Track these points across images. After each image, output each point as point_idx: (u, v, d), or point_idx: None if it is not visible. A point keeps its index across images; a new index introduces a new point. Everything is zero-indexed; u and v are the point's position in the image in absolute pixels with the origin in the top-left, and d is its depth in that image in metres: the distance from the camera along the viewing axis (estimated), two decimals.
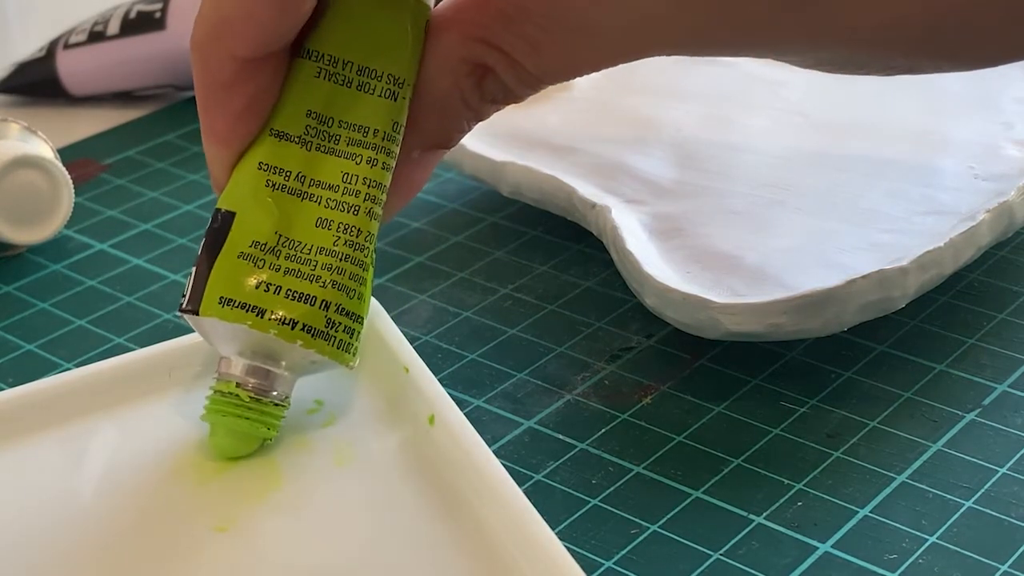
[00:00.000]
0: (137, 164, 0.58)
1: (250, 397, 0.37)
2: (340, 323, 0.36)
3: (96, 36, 0.62)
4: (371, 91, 0.36)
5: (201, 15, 0.35)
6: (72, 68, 0.63)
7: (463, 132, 0.37)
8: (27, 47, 0.68)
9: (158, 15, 0.61)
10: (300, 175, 0.36)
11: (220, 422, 0.38)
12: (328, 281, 0.36)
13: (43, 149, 0.51)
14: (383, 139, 0.36)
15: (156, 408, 0.40)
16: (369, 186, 0.36)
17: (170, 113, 0.62)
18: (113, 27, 0.62)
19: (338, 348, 0.36)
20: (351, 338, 0.37)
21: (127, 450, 0.39)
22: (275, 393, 0.37)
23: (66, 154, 0.59)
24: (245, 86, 0.35)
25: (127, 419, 0.40)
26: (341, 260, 0.36)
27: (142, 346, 0.44)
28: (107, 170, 0.58)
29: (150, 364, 0.41)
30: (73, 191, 0.50)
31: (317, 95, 0.36)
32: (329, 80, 0.36)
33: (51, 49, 0.63)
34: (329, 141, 0.36)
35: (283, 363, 0.37)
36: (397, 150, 0.37)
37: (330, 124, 0.36)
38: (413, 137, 0.37)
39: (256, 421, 0.37)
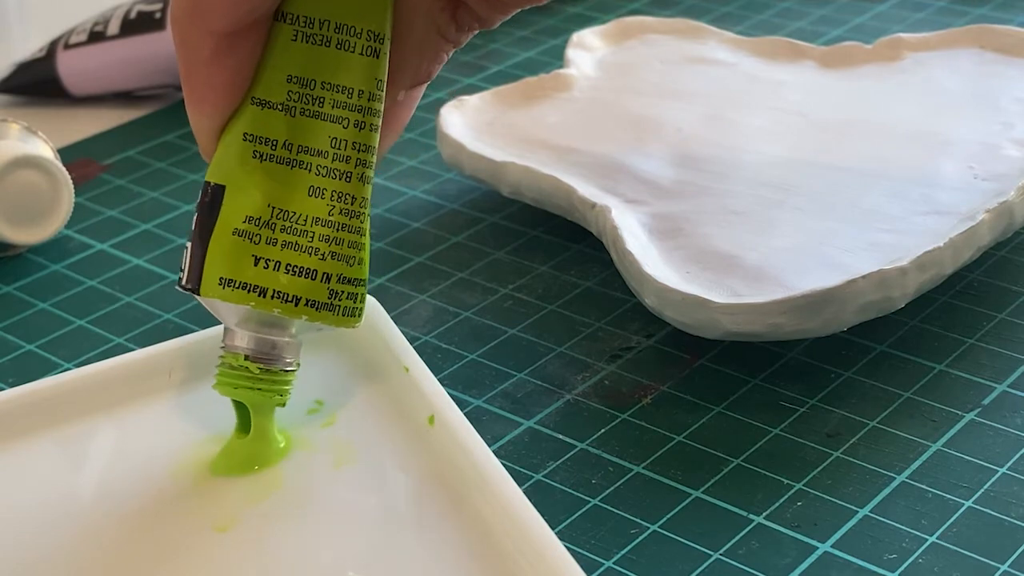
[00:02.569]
0: (137, 164, 0.58)
1: (260, 369, 0.37)
2: (343, 291, 0.36)
3: (96, 36, 0.62)
4: (351, 49, 0.35)
5: None
6: (72, 68, 0.63)
7: (442, 63, 0.38)
8: (27, 47, 0.68)
9: (158, 15, 0.61)
10: (287, 143, 0.35)
11: (225, 456, 0.38)
12: (327, 252, 0.36)
13: (43, 149, 0.51)
14: (368, 99, 0.36)
15: (156, 408, 0.40)
16: (359, 150, 0.36)
17: (170, 113, 0.62)
18: (113, 27, 0.62)
19: (343, 315, 0.36)
20: (354, 302, 0.37)
21: (127, 450, 0.39)
22: (287, 360, 0.37)
23: (66, 154, 0.59)
24: (226, 59, 0.35)
25: (127, 419, 0.40)
26: (338, 230, 0.36)
27: (142, 346, 0.44)
28: (107, 170, 0.58)
29: (150, 364, 0.41)
30: (73, 191, 0.50)
31: (296, 58, 0.35)
32: (307, 42, 0.35)
33: (51, 49, 0.63)
34: (313, 105, 0.35)
35: (290, 330, 0.37)
36: (382, 107, 0.36)
37: (312, 87, 0.35)
38: (397, 81, 0.37)
39: (268, 391, 0.37)
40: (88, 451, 0.39)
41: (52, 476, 0.38)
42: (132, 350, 0.45)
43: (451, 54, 0.38)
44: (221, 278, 0.36)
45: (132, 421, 0.40)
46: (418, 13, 0.36)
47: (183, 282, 0.36)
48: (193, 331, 0.42)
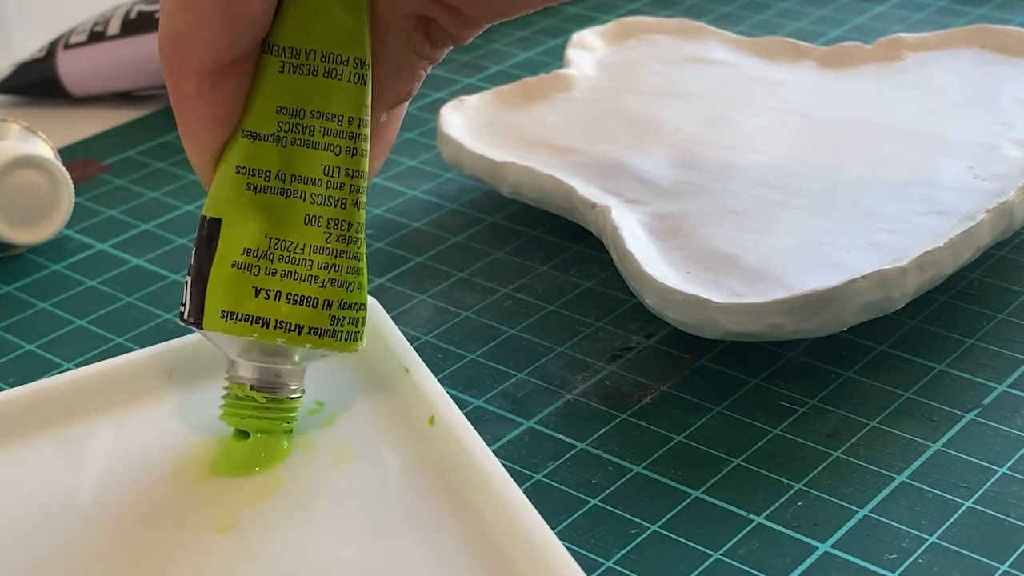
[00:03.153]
0: (137, 164, 0.58)
1: (266, 398, 0.37)
2: (344, 317, 0.36)
3: (96, 36, 0.62)
4: (339, 77, 0.36)
5: (160, 28, 0.35)
6: (72, 68, 0.63)
7: (420, 80, 0.38)
8: (27, 47, 0.68)
9: (158, 15, 0.61)
10: (280, 173, 0.36)
11: (225, 457, 0.38)
12: (327, 280, 0.36)
13: (43, 149, 0.51)
14: (358, 126, 0.36)
15: (156, 408, 0.40)
16: (351, 176, 0.36)
17: (170, 113, 0.62)
18: (113, 27, 0.62)
19: (345, 340, 0.37)
20: (356, 326, 0.37)
21: (127, 450, 0.39)
22: (292, 387, 0.38)
23: (66, 154, 0.59)
24: (212, 94, 0.35)
25: (126, 419, 0.40)
26: (336, 257, 0.36)
27: (142, 346, 0.44)
28: (107, 170, 0.58)
29: (150, 364, 0.41)
30: (73, 191, 0.50)
31: (284, 90, 0.36)
32: (294, 72, 0.36)
33: (51, 49, 0.63)
34: (304, 134, 0.36)
35: (294, 358, 0.37)
36: (369, 132, 0.37)
37: (302, 116, 0.36)
38: (378, 103, 0.37)
39: (275, 419, 0.37)
40: (88, 451, 0.39)
41: (52, 476, 0.38)
42: (132, 350, 0.45)
43: (428, 71, 0.38)
44: (223, 311, 0.36)
45: (132, 421, 0.40)
46: (391, 33, 0.37)
47: (185, 316, 0.37)
48: (192, 331, 0.42)
